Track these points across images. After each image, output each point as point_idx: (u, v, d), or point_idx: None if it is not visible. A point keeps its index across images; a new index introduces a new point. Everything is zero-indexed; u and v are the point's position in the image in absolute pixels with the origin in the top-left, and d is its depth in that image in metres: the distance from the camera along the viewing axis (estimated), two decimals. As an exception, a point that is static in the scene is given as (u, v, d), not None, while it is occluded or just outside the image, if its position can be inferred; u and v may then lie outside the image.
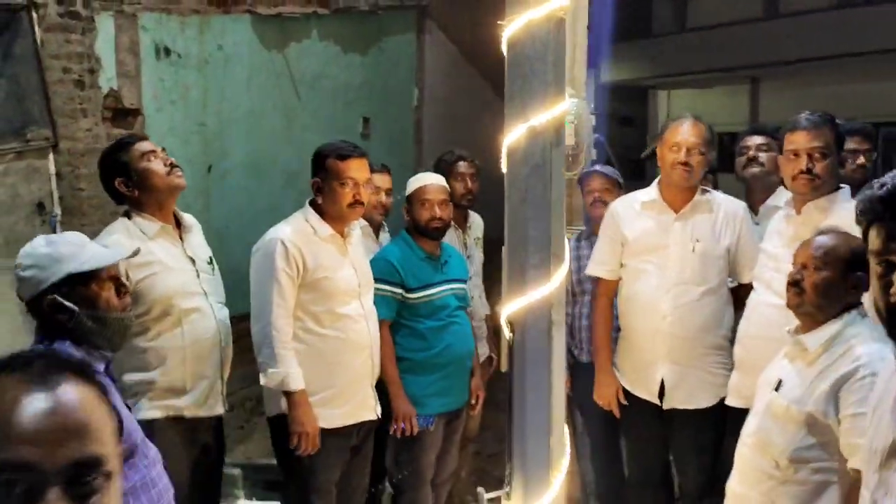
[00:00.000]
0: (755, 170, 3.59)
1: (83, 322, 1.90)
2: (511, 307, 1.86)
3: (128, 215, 2.81)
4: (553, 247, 1.82)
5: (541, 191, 1.79)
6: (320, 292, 2.94)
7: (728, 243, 3.17)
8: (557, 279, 1.83)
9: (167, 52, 5.02)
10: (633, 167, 11.09)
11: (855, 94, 13.37)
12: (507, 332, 1.91)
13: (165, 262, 2.74)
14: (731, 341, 3.14)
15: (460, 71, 9.82)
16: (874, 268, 1.42)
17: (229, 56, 5.55)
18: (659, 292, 3.19)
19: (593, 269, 3.43)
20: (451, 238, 3.74)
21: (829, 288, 2.24)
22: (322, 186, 2.99)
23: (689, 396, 3.19)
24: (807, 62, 14.52)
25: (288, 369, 2.84)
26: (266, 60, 5.94)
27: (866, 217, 1.42)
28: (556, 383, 1.88)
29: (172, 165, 2.82)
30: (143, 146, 2.82)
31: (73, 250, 1.94)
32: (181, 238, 2.88)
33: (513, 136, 1.81)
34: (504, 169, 1.88)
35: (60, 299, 1.88)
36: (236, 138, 5.67)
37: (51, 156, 4.47)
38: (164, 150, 2.91)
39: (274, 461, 3.41)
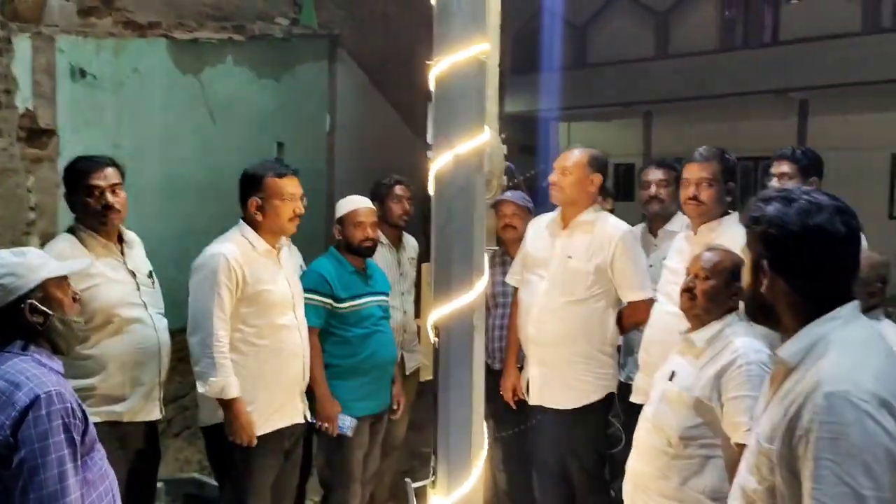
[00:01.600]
0: (655, 207, 4.02)
1: (55, 325, 2.04)
2: (437, 314, 2.09)
3: (73, 230, 2.93)
4: (475, 260, 2.07)
5: (465, 210, 2.04)
6: (259, 305, 3.11)
7: (599, 262, 3.48)
8: (479, 288, 2.07)
9: (83, 73, 5.04)
10: (529, 193, 11.60)
11: (737, 131, 14.34)
12: (432, 337, 2.14)
13: (107, 275, 2.87)
14: (616, 352, 3.53)
15: (370, 98, 10.06)
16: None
17: (145, 79, 5.59)
18: (533, 300, 3.57)
19: (509, 278, 3.85)
20: (386, 257, 4.03)
21: (715, 294, 2.69)
22: (263, 204, 3.17)
23: (552, 397, 3.56)
24: (694, 100, 15.50)
25: (227, 378, 2.99)
26: (181, 84, 6.00)
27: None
28: (476, 382, 2.12)
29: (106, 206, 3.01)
30: (107, 179, 2.99)
31: (42, 260, 2.08)
32: (123, 253, 3.00)
33: (440, 162, 2.05)
34: (431, 191, 2.12)
35: (37, 303, 2.01)
36: (151, 160, 5.70)
37: (-36, 175, 4.44)
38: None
39: (193, 475, 3.53)
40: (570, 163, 3.54)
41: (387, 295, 3.82)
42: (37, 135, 4.75)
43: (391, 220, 4.22)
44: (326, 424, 3.47)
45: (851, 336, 1.64)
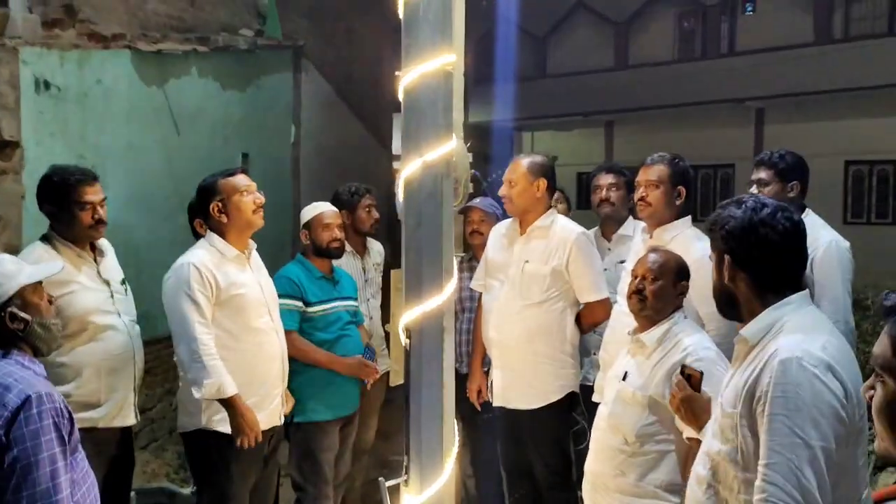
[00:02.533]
0: (607, 209, 4.12)
1: (34, 330, 2.06)
2: (408, 316, 2.15)
3: (46, 238, 2.95)
4: (444, 263, 2.13)
5: (434, 215, 2.11)
6: (234, 308, 3.14)
7: (555, 265, 3.58)
8: (448, 291, 2.14)
9: (47, 85, 5.03)
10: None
11: (697, 139, 14.64)
12: (403, 339, 2.20)
13: (82, 282, 2.89)
14: (577, 353, 3.65)
15: (334, 108, 10.11)
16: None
17: (109, 90, 5.59)
18: (493, 304, 3.69)
19: (473, 283, 3.96)
20: (351, 264, 4.08)
21: (664, 294, 2.79)
22: (224, 205, 3.20)
23: (515, 398, 3.65)
24: (653, 109, 15.79)
25: (221, 377, 3.00)
26: (146, 95, 6.00)
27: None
28: (447, 381, 2.18)
29: (98, 221, 3.07)
30: (97, 193, 3.04)
31: (16, 267, 2.11)
32: (96, 261, 3.03)
33: (409, 169, 2.12)
34: (400, 197, 2.19)
35: (16, 310, 2.03)
36: (115, 172, 5.68)
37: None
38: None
39: (165, 484, 3.53)
40: (513, 174, 3.67)
41: (354, 300, 3.90)
42: (1, 146, 4.72)
43: (362, 229, 4.28)
44: (370, 379, 3.78)
45: (803, 317, 1.92)
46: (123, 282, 3.18)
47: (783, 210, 1.98)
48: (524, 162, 3.69)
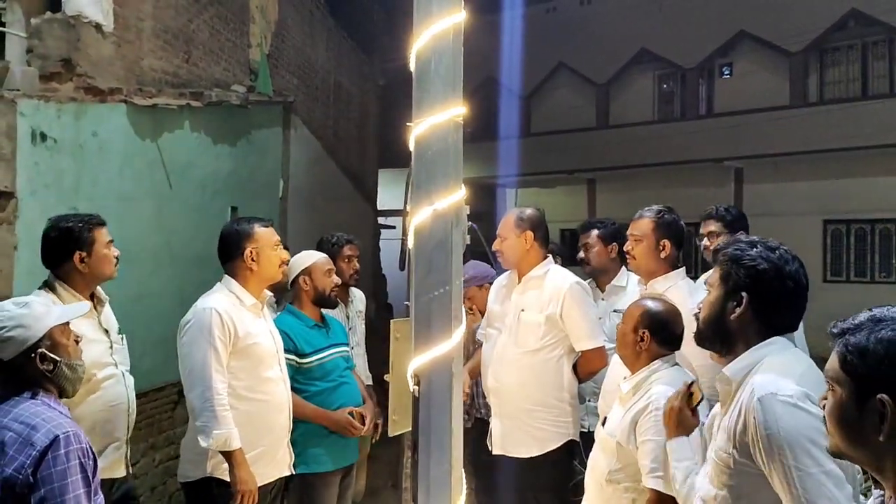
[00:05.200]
0: (587, 269, 4.27)
1: (62, 371, 2.06)
2: (417, 362, 2.17)
3: (48, 287, 2.93)
4: (453, 310, 2.16)
5: (443, 262, 2.14)
6: (249, 358, 3.14)
7: (549, 313, 3.63)
8: (457, 337, 2.16)
9: (43, 137, 5.06)
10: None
11: (677, 197, 14.86)
12: (412, 385, 2.21)
13: (85, 334, 2.87)
14: (576, 401, 3.67)
15: (322, 164, 10.23)
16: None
17: (104, 143, 5.62)
18: (491, 353, 3.73)
19: (479, 335, 4.04)
20: (334, 312, 4.07)
21: (622, 338, 2.85)
22: (258, 254, 3.24)
23: (513, 446, 3.65)
24: (635, 168, 16.08)
25: (230, 429, 2.99)
26: (139, 148, 6.05)
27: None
28: (455, 427, 2.18)
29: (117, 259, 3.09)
30: (108, 236, 3.09)
31: (45, 308, 2.12)
32: (96, 310, 3.02)
33: (419, 217, 2.16)
34: (411, 244, 2.22)
35: (46, 351, 2.03)
36: (107, 223, 5.68)
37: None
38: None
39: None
40: (503, 229, 3.79)
41: (347, 345, 3.89)
42: (-5, 197, 4.73)
43: (342, 278, 4.27)
44: (352, 432, 3.66)
45: (783, 357, 2.00)
46: (120, 331, 3.17)
47: (801, 265, 2.09)
48: (510, 215, 3.80)
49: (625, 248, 3.47)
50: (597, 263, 4.23)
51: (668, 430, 2.51)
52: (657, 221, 3.44)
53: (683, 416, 2.48)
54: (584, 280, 4.19)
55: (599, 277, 4.25)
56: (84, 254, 3.01)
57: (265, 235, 3.33)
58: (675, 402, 2.51)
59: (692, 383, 2.55)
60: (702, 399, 2.55)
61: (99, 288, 3.13)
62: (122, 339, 3.16)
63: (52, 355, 2.09)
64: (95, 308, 3.06)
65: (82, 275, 3.01)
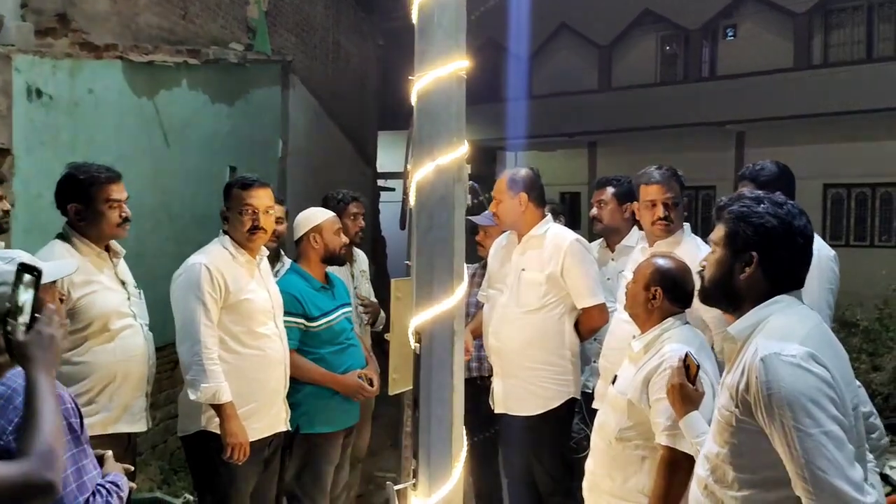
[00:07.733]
0: (598, 227, 4.22)
1: None
2: (418, 320, 2.15)
3: (64, 237, 2.92)
4: (455, 267, 2.14)
5: (445, 218, 2.11)
6: (241, 313, 3.13)
7: (550, 272, 3.62)
8: (459, 294, 2.13)
9: (39, 93, 5.00)
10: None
11: (678, 161, 14.77)
12: (413, 342, 2.20)
13: (103, 283, 2.86)
14: (577, 359, 3.66)
15: (320, 123, 10.13)
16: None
17: (100, 100, 5.55)
18: (492, 313, 3.71)
19: (479, 295, 4.02)
20: (339, 271, 4.04)
21: (634, 298, 2.82)
22: (228, 215, 3.21)
23: (515, 405, 3.64)
24: (636, 131, 15.95)
25: (219, 383, 2.99)
26: (136, 106, 5.98)
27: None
28: (456, 385, 2.17)
29: (126, 219, 3.03)
30: (120, 193, 3.01)
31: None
32: (113, 262, 3.01)
33: (421, 172, 2.12)
34: (412, 201, 2.19)
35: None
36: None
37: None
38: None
39: (157, 494, 3.48)
40: (497, 191, 3.79)
41: (350, 305, 3.86)
42: (-9, 153, 4.68)
43: (347, 236, 4.22)
44: (363, 395, 3.64)
45: (788, 316, 1.96)
46: (137, 286, 3.17)
47: (806, 216, 2.06)
48: (503, 177, 3.77)
49: (662, 214, 3.30)
50: (609, 221, 4.14)
51: (676, 410, 2.48)
52: (680, 182, 3.43)
53: (686, 391, 2.46)
54: (595, 240, 4.18)
55: (610, 237, 4.20)
56: (80, 206, 2.96)
57: (240, 196, 3.29)
58: (675, 379, 2.48)
59: (686, 356, 2.52)
60: (698, 368, 2.52)
61: (113, 241, 3.10)
62: (140, 293, 3.16)
63: (38, 315, 2.02)
64: (111, 260, 3.05)
65: (88, 226, 2.97)
